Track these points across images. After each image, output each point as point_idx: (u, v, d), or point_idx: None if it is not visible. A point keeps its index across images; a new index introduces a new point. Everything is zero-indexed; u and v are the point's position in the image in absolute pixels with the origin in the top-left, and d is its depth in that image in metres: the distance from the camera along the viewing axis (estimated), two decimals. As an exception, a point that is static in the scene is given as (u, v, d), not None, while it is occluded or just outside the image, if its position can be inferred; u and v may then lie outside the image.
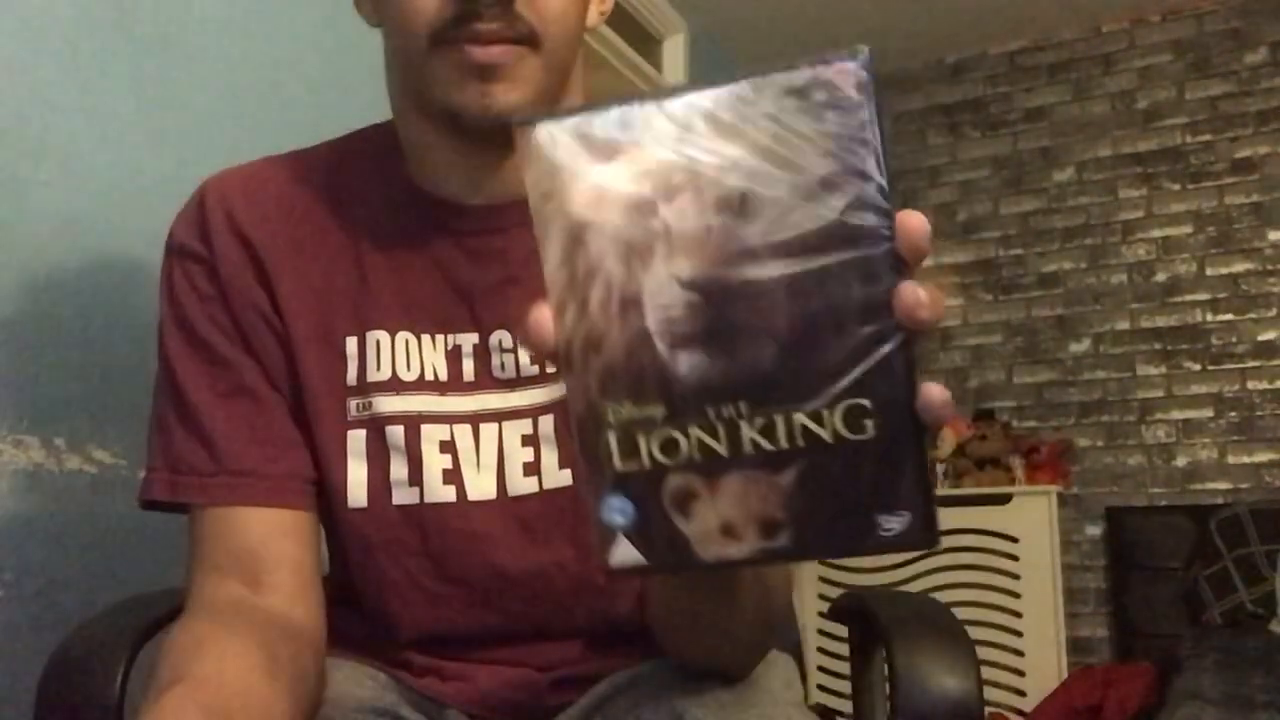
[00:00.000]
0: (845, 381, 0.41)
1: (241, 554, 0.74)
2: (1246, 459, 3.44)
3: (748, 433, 0.42)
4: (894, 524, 0.41)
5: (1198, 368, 3.52)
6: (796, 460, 0.41)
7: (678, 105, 0.41)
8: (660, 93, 0.42)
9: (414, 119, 0.79)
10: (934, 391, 0.41)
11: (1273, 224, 3.48)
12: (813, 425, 0.41)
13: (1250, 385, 3.45)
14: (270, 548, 0.75)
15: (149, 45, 1.37)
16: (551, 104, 0.76)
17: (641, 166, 0.41)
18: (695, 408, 0.42)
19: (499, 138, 0.76)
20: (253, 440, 0.76)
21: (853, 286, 0.40)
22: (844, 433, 0.41)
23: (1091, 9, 3.63)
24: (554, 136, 0.42)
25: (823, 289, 0.40)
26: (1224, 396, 3.48)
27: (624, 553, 0.44)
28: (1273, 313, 3.45)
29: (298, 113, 1.57)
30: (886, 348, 0.40)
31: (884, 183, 0.40)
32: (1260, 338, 3.46)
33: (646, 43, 3.24)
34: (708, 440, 0.42)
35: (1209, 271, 3.54)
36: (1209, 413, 3.49)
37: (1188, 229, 3.58)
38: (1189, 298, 3.55)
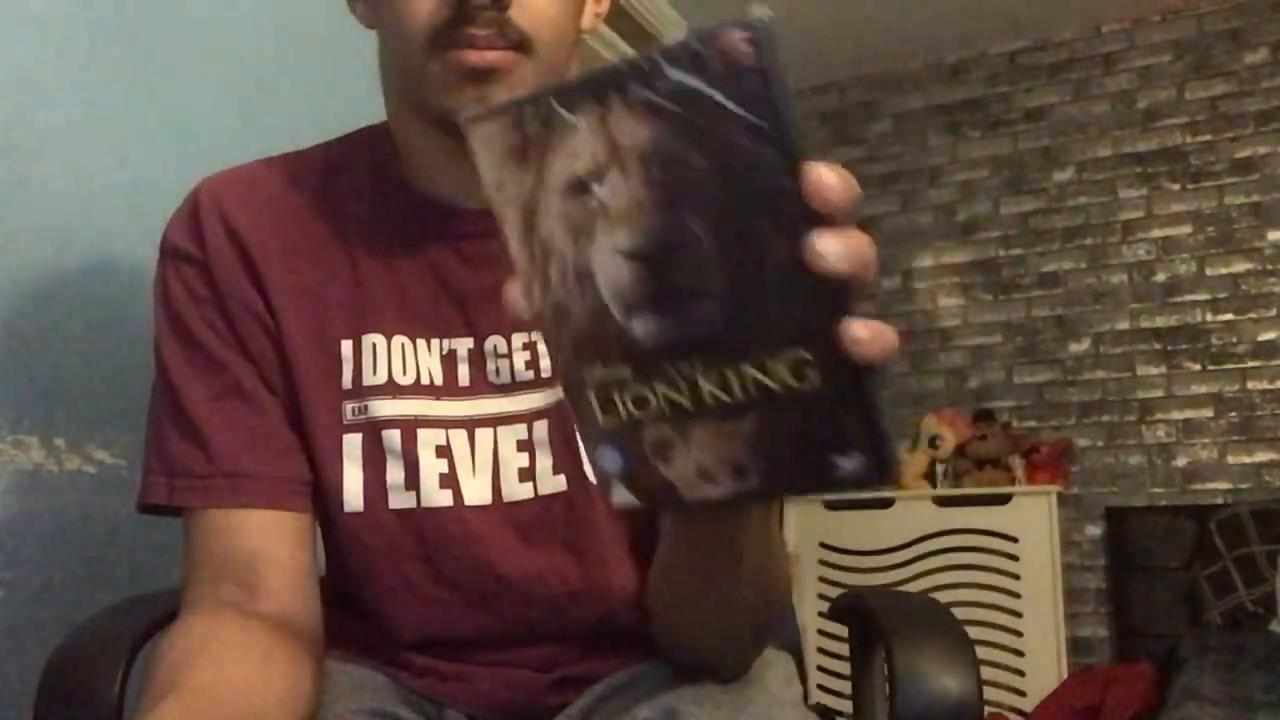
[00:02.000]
0: (783, 334, 0.43)
1: (237, 556, 0.74)
2: (1246, 459, 3.44)
3: (705, 386, 0.44)
4: (848, 464, 0.43)
5: (1198, 368, 3.52)
6: (752, 410, 0.44)
7: (587, 87, 0.43)
8: (577, 77, 0.44)
9: (409, 121, 0.79)
10: (856, 327, 0.41)
11: (1273, 224, 3.47)
12: (761, 377, 0.43)
13: (1250, 385, 3.45)
14: (266, 550, 0.75)
15: (149, 45, 1.37)
16: None
17: (570, 149, 0.44)
18: (656, 366, 0.45)
19: None
20: (248, 442, 0.76)
21: (775, 243, 0.42)
22: (791, 383, 0.43)
23: (1091, 9, 3.63)
24: (493, 131, 0.45)
25: (748, 247, 0.42)
26: (1224, 396, 3.48)
27: (621, 495, 0.48)
28: (1273, 313, 3.45)
29: (297, 113, 1.57)
30: (814, 299, 0.42)
31: (790, 141, 0.40)
32: (1260, 338, 3.45)
33: (647, 42, 3.24)
34: (673, 395, 0.45)
35: (1209, 271, 3.54)
36: (1209, 413, 3.49)
37: (1188, 229, 3.58)
38: (1189, 298, 3.55)
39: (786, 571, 0.77)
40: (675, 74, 0.41)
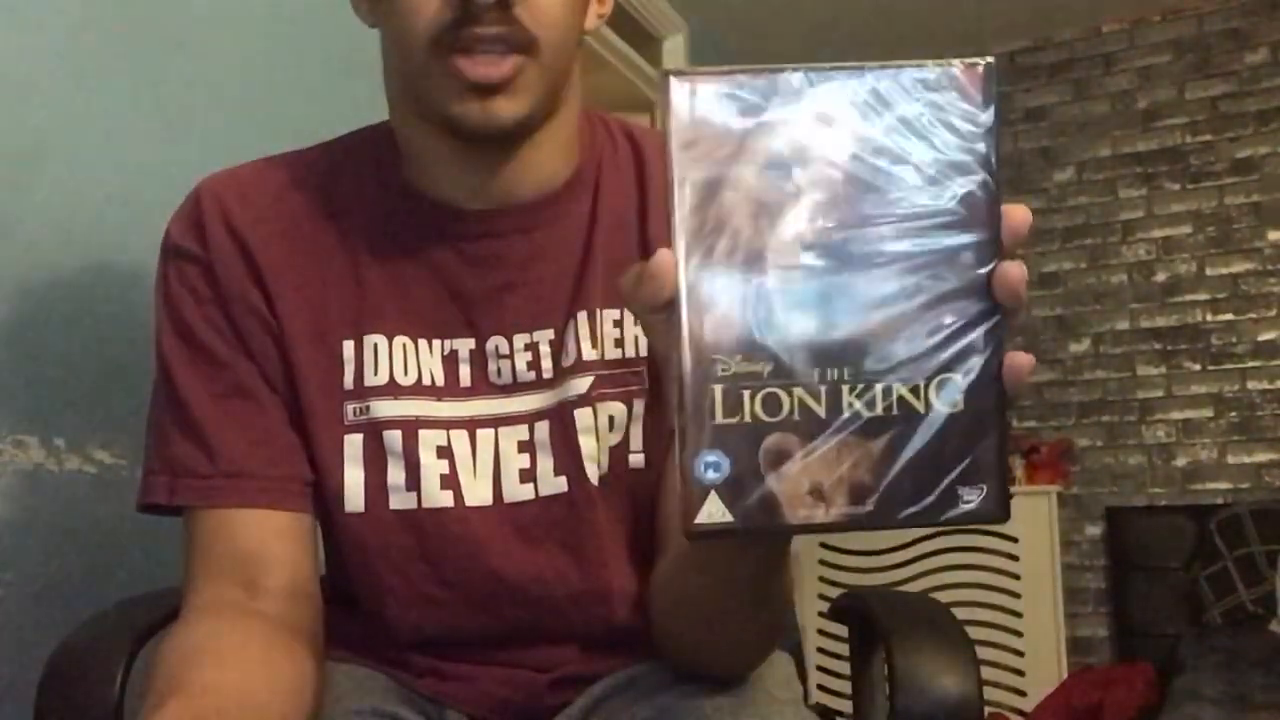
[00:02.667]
0: (943, 356, 0.44)
1: (239, 556, 0.74)
2: (1246, 459, 3.44)
3: (848, 397, 0.44)
4: (973, 496, 0.44)
5: (1198, 368, 3.52)
6: (890, 428, 0.44)
7: (819, 79, 0.44)
8: (802, 67, 0.45)
9: (412, 122, 0.78)
10: (1020, 358, 0.44)
11: (1273, 224, 3.47)
12: (909, 395, 0.44)
13: (1250, 385, 3.45)
14: (267, 550, 0.74)
15: (149, 45, 1.37)
16: (551, 111, 0.76)
17: (781, 131, 0.44)
18: (801, 368, 0.44)
19: (498, 143, 0.75)
20: (249, 441, 0.76)
21: (959, 267, 0.44)
22: (936, 404, 0.44)
23: (1091, 9, 3.63)
24: (702, 91, 0.44)
25: (932, 267, 0.44)
26: (1224, 396, 3.48)
27: (712, 510, 0.44)
28: (1273, 313, 3.45)
29: (298, 113, 1.57)
30: (983, 326, 0.44)
31: (995, 175, 0.44)
32: (1260, 338, 3.45)
33: (646, 43, 3.24)
34: (809, 401, 0.44)
35: (1209, 271, 3.54)
36: (1209, 413, 3.49)
37: (1188, 229, 3.58)
38: (1189, 298, 3.55)
39: (790, 577, 0.77)
40: (909, 89, 0.44)
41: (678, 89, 0.44)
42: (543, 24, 0.71)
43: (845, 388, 0.44)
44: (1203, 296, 3.53)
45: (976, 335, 0.44)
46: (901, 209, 0.44)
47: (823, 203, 0.44)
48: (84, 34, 1.28)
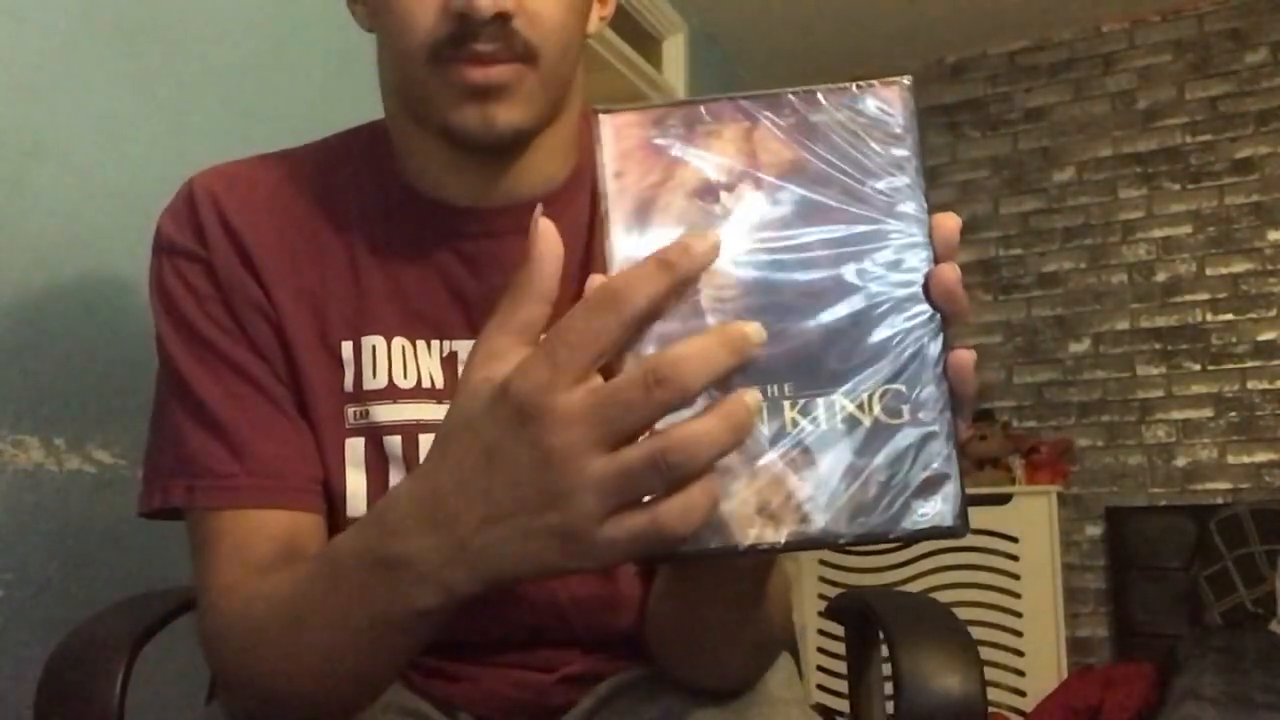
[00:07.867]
0: (885, 367, 0.43)
1: (278, 554, 0.70)
2: (1246, 459, 3.44)
3: (789, 413, 0.43)
4: (927, 510, 0.42)
5: (1198, 368, 3.52)
6: (836, 444, 0.43)
7: (742, 106, 0.45)
8: (723, 97, 0.45)
9: (409, 125, 0.77)
10: (961, 355, 0.43)
11: (1273, 224, 3.48)
12: (853, 409, 0.43)
13: (1250, 385, 3.45)
14: (293, 552, 0.71)
15: (149, 45, 1.37)
16: (553, 116, 0.75)
17: (706, 158, 0.45)
18: (739, 386, 0.43)
19: (497, 147, 0.74)
20: (271, 439, 0.73)
21: (892, 279, 0.44)
22: (882, 418, 0.43)
23: (1091, 9, 3.63)
24: (629, 124, 0.45)
25: (865, 281, 0.44)
26: (1224, 396, 3.48)
27: None
28: (1273, 313, 3.45)
29: (298, 113, 1.57)
30: (924, 334, 0.43)
31: (922, 188, 0.44)
32: (1260, 338, 3.46)
33: (646, 43, 3.24)
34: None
35: (1209, 271, 3.54)
36: (1209, 413, 3.49)
37: (1188, 229, 3.58)
38: (1189, 298, 3.55)
39: (786, 580, 0.76)
40: (830, 108, 0.45)
41: (606, 125, 0.45)
42: (543, 33, 0.70)
43: (786, 404, 0.43)
44: (1203, 296, 3.54)
45: (918, 344, 0.43)
46: (829, 225, 0.44)
47: (750, 224, 0.44)
48: (84, 34, 1.28)
